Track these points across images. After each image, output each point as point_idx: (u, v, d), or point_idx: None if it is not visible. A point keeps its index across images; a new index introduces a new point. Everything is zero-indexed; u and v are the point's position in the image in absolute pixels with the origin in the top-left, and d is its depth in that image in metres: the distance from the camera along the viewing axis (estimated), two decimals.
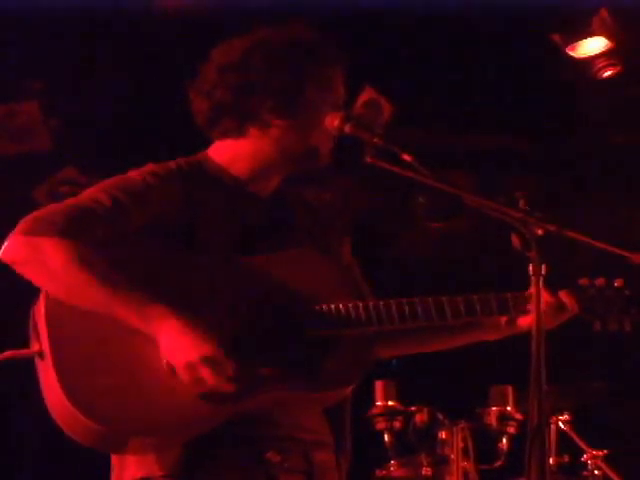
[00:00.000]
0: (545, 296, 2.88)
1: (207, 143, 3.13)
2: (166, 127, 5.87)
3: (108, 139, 6.01)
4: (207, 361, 2.69)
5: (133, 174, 2.97)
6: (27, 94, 5.94)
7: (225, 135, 3.05)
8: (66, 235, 2.79)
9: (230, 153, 3.05)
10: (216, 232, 2.93)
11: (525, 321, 2.95)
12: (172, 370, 2.72)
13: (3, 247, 2.83)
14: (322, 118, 2.96)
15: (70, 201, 2.90)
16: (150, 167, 2.99)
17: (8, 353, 2.86)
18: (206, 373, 2.69)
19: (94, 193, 2.91)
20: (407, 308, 2.87)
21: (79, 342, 2.77)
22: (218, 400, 2.72)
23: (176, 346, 2.71)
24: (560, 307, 2.95)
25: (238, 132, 3.02)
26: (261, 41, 3.01)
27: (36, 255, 2.80)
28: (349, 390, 2.91)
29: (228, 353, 2.71)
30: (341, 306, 2.84)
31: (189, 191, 2.95)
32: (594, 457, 5.25)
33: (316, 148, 3.00)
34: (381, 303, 2.86)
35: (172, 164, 3.02)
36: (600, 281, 2.99)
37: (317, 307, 2.84)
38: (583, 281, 2.99)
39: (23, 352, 2.84)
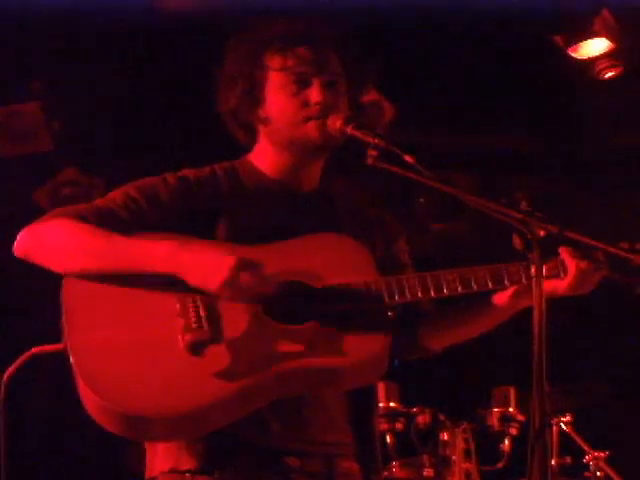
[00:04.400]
0: (574, 264, 2.85)
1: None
2: (168, 128, 5.88)
3: (109, 140, 6.02)
4: (240, 267, 2.70)
5: (160, 176, 2.98)
6: (29, 95, 5.95)
7: (248, 140, 3.08)
8: (68, 216, 2.83)
9: (262, 154, 3.06)
10: (242, 229, 2.91)
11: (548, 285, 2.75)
12: (188, 350, 2.69)
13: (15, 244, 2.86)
14: (303, 94, 2.95)
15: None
16: (183, 171, 3.00)
17: (35, 349, 2.80)
18: (245, 277, 2.70)
19: (111, 193, 2.94)
20: (417, 281, 2.85)
21: (94, 329, 2.73)
22: (232, 376, 2.68)
23: (205, 271, 2.71)
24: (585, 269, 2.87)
25: (252, 135, 3.06)
26: (228, 44, 3.04)
27: (40, 238, 2.83)
28: (372, 381, 2.91)
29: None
30: (358, 282, 2.83)
31: (217, 195, 2.96)
32: (596, 458, 5.25)
33: (309, 126, 2.95)
34: (394, 278, 2.86)
35: (206, 169, 3.03)
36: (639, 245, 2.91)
37: (335, 283, 2.82)
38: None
39: (49, 348, 2.78)
